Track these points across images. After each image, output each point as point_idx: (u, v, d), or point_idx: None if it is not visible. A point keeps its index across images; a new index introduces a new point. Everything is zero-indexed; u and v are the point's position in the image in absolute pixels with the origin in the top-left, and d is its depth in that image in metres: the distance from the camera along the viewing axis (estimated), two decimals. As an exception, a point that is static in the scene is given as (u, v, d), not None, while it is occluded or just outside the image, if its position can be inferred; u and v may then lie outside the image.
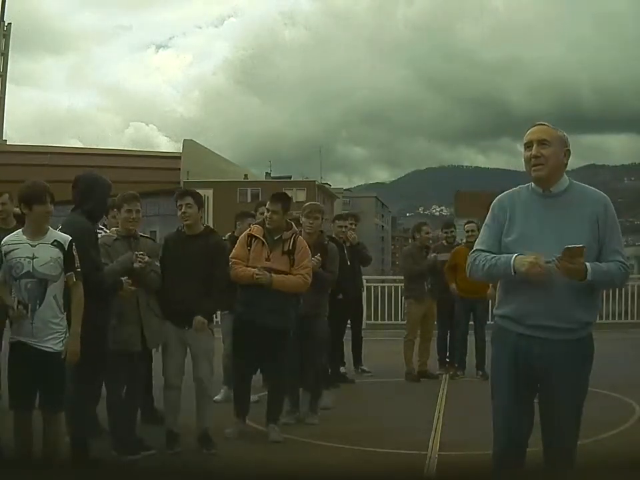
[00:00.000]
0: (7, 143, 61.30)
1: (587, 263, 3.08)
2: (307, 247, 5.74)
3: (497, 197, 3.39)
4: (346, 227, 8.25)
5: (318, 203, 7.35)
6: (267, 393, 5.97)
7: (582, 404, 3.25)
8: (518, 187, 3.38)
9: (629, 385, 6.68)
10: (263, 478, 4.52)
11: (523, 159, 3.28)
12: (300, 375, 6.43)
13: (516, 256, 3.13)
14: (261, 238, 5.58)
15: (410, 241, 9.11)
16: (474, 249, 3.37)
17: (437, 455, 5.09)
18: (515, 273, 3.12)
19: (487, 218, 3.37)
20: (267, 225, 5.62)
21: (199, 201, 5.40)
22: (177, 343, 5.27)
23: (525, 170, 3.29)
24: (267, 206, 5.66)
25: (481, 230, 3.43)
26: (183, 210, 5.32)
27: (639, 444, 5.07)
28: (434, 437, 5.57)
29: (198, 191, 5.89)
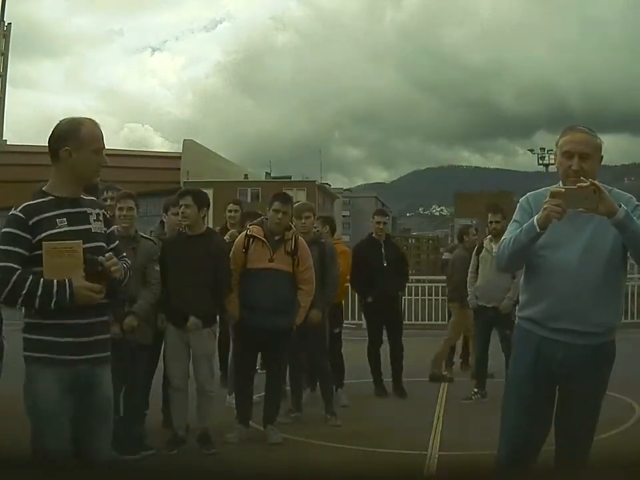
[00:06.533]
0: (7, 143, 61.34)
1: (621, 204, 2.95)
2: (307, 247, 5.72)
3: (525, 195, 3.32)
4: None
5: (306, 202, 7.29)
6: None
7: (599, 408, 3.23)
8: (544, 189, 3.26)
9: (629, 385, 6.65)
10: (263, 478, 4.50)
11: (555, 161, 3.22)
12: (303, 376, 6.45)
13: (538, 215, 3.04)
14: (262, 238, 5.49)
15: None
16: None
17: (437, 455, 5.09)
18: (539, 229, 3.01)
19: (515, 214, 3.29)
20: (274, 226, 5.51)
21: (200, 200, 5.29)
22: (180, 345, 5.25)
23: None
24: (274, 207, 5.49)
25: (509, 226, 3.35)
26: (181, 210, 5.27)
27: (639, 444, 5.07)
28: (434, 437, 5.57)
29: (198, 190, 5.84)
